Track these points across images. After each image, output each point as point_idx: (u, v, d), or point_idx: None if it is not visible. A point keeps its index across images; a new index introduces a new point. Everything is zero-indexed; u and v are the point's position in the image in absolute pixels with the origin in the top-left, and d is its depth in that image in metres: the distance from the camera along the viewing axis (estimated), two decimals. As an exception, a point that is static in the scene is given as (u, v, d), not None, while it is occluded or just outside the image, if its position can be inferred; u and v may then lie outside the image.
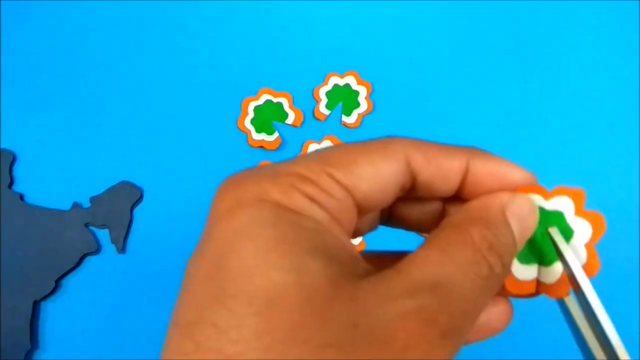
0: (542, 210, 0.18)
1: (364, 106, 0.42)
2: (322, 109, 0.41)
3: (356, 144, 0.17)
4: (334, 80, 0.42)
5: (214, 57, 0.43)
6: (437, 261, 0.14)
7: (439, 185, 0.17)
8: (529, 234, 0.17)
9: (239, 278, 0.13)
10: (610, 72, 0.43)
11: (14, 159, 0.40)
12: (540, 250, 0.17)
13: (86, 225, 0.39)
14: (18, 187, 0.40)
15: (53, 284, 0.38)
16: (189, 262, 0.15)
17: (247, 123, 0.41)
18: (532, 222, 0.17)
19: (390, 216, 0.19)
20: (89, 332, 0.38)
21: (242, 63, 0.43)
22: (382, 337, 0.13)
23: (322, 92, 0.42)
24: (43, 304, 0.38)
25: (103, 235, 0.40)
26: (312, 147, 0.41)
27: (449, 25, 0.44)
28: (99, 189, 0.40)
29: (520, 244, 0.17)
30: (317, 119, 0.42)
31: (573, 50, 0.43)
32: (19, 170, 0.40)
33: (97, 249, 0.39)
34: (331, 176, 0.15)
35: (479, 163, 0.17)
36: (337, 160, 0.16)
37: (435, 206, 0.19)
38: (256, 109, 0.41)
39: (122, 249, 0.39)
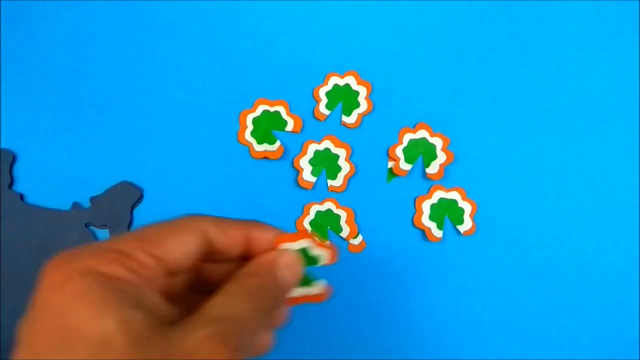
0: (306, 250, 0.25)
1: (364, 106, 0.42)
2: (322, 109, 0.41)
3: (165, 223, 0.22)
4: (334, 80, 0.42)
5: (212, 64, 0.43)
6: (224, 302, 0.20)
7: (230, 249, 0.23)
8: (297, 273, 0.24)
9: (77, 331, 0.17)
10: (610, 72, 0.43)
11: (14, 159, 0.40)
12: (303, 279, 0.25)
13: (86, 225, 0.39)
14: (18, 187, 0.40)
15: (53, 284, 0.38)
16: (23, 326, 0.19)
17: (248, 136, 0.41)
18: (297, 268, 0.24)
19: (199, 280, 0.25)
20: (89, 332, 0.38)
21: (237, 74, 0.43)
22: (189, 357, 0.18)
23: (322, 92, 0.42)
24: (43, 304, 0.38)
25: (103, 235, 0.40)
26: (312, 147, 0.41)
27: (449, 25, 0.44)
28: (99, 189, 0.40)
29: (292, 280, 0.24)
30: (317, 119, 0.42)
31: (573, 50, 0.43)
32: (19, 170, 0.40)
33: (97, 249, 0.39)
34: (147, 251, 0.20)
35: (256, 232, 0.24)
36: (151, 237, 0.21)
37: (233, 267, 0.24)
38: (254, 120, 0.41)
39: (122, 249, 0.39)
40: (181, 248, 0.22)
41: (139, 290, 0.19)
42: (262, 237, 0.24)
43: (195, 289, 0.25)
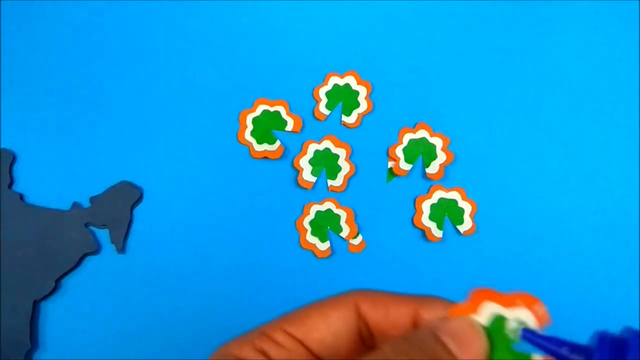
0: (502, 318, 0.18)
1: (364, 106, 0.42)
2: (322, 109, 0.41)
3: (315, 302, 0.19)
4: (334, 80, 0.42)
5: (212, 64, 0.43)
6: None
7: (391, 330, 0.19)
8: (475, 347, 0.17)
9: None
10: (611, 72, 0.43)
11: (14, 159, 0.40)
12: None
13: (86, 225, 0.39)
14: (18, 187, 0.40)
15: (53, 284, 0.38)
16: None
17: (248, 136, 0.41)
18: (472, 338, 0.17)
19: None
20: (89, 332, 0.38)
21: (237, 74, 0.43)
22: None
23: (322, 92, 0.42)
24: (43, 304, 0.38)
25: (103, 235, 0.40)
26: (312, 147, 0.41)
27: (449, 25, 0.44)
28: (99, 189, 0.40)
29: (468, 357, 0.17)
30: (317, 119, 0.42)
31: (573, 50, 0.43)
32: (19, 170, 0.40)
33: (97, 249, 0.39)
34: (284, 330, 0.19)
35: (428, 309, 0.19)
36: (294, 316, 0.19)
37: None
38: (254, 120, 0.41)
39: (122, 249, 0.39)
40: (324, 325, 0.19)
41: None
42: (432, 316, 0.19)
43: None
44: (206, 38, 0.43)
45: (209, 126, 0.41)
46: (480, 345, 0.17)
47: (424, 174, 0.41)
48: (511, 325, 0.18)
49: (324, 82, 0.42)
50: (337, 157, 0.41)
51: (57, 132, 0.41)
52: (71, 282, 0.39)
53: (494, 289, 0.18)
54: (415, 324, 0.19)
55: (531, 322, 0.17)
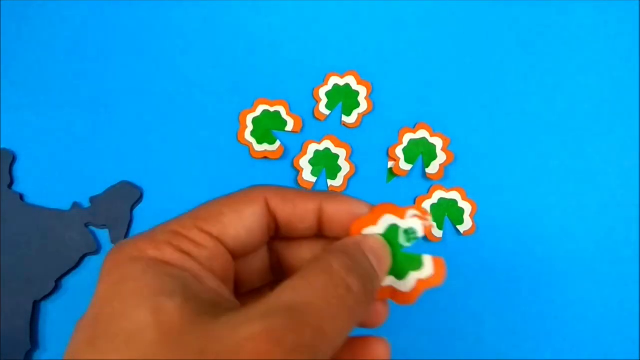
0: (396, 227, 0.20)
1: (364, 106, 0.42)
2: (322, 109, 0.41)
3: (223, 198, 0.19)
4: (334, 80, 0.42)
5: (212, 64, 0.43)
6: (295, 287, 0.16)
7: (298, 224, 0.20)
8: (386, 263, 0.20)
9: (107, 322, 0.16)
10: (611, 72, 0.43)
11: (14, 159, 0.40)
12: (396, 266, 0.20)
13: (86, 225, 0.39)
14: (18, 187, 0.40)
15: (53, 284, 0.38)
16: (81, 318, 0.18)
17: (248, 136, 0.41)
18: (385, 255, 0.20)
19: (279, 266, 0.22)
20: (89, 332, 0.38)
21: (237, 74, 0.43)
22: (228, 357, 0.14)
23: (322, 92, 0.42)
24: (43, 304, 0.38)
25: (103, 235, 0.40)
26: (312, 147, 0.41)
27: (449, 25, 0.44)
28: (99, 189, 0.40)
29: (382, 272, 0.19)
30: (317, 119, 0.42)
31: (573, 50, 0.43)
32: (19, 170, 0.40)
33: (97, 249, 0.39)
34: (201, 229, 0.18)
35: (330, 204, 0.20)
36: (206, 214, 0.19)
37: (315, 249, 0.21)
38: (254, 120, 0.41)
39: (122, 249, 0.39)
40: (239, 222, 0.19)
41: (186, 275, 0.17)
42: (335, 211, 0.20)
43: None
44: (206, 38, 0.43)
45: (209, 126, 0.41)
46: (389, 260, 0.20)
47: (424, 174, 0.41)
48: (403, 233, 0.20)
49: (324, 82, 0.42)
50: (337, 157, 0.41)
51: (57, 132, 0.41)
52: (71, 282, 0.39)
53: (393, 203, 0.21)
54: (319, 219, 0.20)
55: (420, 230, 0.20)
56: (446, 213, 0.40)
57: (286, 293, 0.16)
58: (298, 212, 0.20)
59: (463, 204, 0.40)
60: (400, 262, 0.20)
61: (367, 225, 0.20)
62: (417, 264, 0.20)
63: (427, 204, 0.40)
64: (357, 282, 0.17)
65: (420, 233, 0.20)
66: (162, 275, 0.16)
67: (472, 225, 0.40)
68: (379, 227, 0.20)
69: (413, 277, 0.20)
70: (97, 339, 0.16)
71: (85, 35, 0.43)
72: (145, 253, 0.17)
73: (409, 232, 0.20)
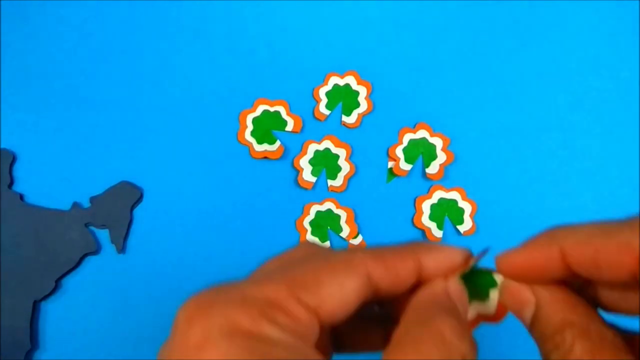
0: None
1: (364, 106, 0.42)
2: (322, 109, 0.41)
3: (320, 261, 0.17)
4: (334, 80, 0.42)
5: (212, 64, 0.43)
6: None
7: (398, 288, 0.18)
8: (467, 306, 0.19)
9: None
10: (611, 72, 0.43)
11: (14, 159, 0.40)
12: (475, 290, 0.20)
13: (86, 225, 0.39)
14: (18, 187, 0.40)
15: (53, 284, 0.38)
16: None
17: (248, 136, 0.41)
18: (465, 299, 0.19)
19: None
20: (89, 332, 0.38)
21: (237, 74, 0.43)
22: None
23: (322, 92, 0.42)
24: (43, 304, 0.38)
25: (103, 235, 0.40)
26: (312, 147, 0.41)
27: (449, 25, 0.44)
28: (99, 189, 0.40)
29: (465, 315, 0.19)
30: (317, 119, 0.42)
31: (573, 50, 0.43)
32: (19, 170, 0.40)
33: (97, 249, 0.39)
34: (299, 300, 0.16)
35: (429, 260, 0.18)
36: (304, 281, 0.16)
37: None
38: (254, 120, 0.41)
39: (122, 249, 0.39)
40: (339, 296, 0.17)
41: (287, 355, 0.15)
42: (435, 268, 0.19)
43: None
44: (206, 38, 0.43)
45: (209, 126, 0.41)
46: (466, 301, 0.19)
47: (424, 174, 0.41)
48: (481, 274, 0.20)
49: (324, 82, 0.42)
50: (337, 157, 0.41)
51: (57, 132, 0.41)
52: (71, 282, 0.39)
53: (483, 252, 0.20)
54: (419, 277, 0.19)
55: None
56: (446, 213, 0.40)
57: None
58: (401, 279, 0.18)
59: (463, 204, 0.40)
60: (478, 283, 0.20)
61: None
62: (492, 281, 0.20)
63: (427, 204, 0.40)
64: (470, 349, 0.16)
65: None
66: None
67: (472, 225, 0.40)
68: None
69: (494, 297, 0.20)
70: None
71: (85, 35, 0.43)
72: (240, 326, 0.15)
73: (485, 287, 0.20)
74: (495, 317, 0.20)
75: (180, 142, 0.41)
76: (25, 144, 0.41)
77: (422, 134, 0.41)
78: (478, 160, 0.41)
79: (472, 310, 0.19)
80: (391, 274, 0.18)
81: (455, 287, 0.19)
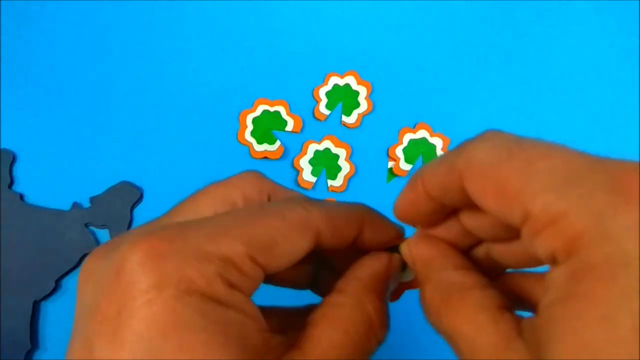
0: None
1: (364, 106, 0.42)
2: (322, 109, 0.42)
3: (277, 219, 0.17)
4: (334, 80, 0.42)
5: (212, 64, 0.43)
6: (339, 344, 0.17)
7: (335, 247, 0.19)
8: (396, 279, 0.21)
9: None
10: (611, 72, 0.43)
11: (14, 159, 0.40)
12: None
13: (86, 225, 0.39)
14: (18, 187, 0.40)
15: (53, 284, 0.38)
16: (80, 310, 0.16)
17: (248, 136, 0.41)
18: (398, 279, 0.21)
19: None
20: (89, 332, 0.38)
21: (237, 74, 0.43)
22: None
23: (322, 92, 0.42)
24: (43, 304, 0.38)
25: (103, 235, 0.40)
26: (312, 147, 0.41)
27: (449, 25, 0.44)
28: (99, 189, 0.40)
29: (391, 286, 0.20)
30: (317, 119, 0.42)
31: (573, 50, 0.43)
32: (19, 170, 0.40)
33: (97, 249, 0.39)
34: (253, 260, 0.16)
35: (371, 232, 0.20)
36: (260, 241, 0.16)
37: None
38: (254, 120, 0.41)
39: (122, 249, 0.39)
40: (289, 256, 0.17)
41: (238, 319, 0.15)
42: (372, 235, 0.20)
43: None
44: (206, 38, 0.43)
45: (209, 126, 0.41)
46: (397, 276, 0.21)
47: (424, 174, 0.41)
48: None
49: (324, 82, 0.42)
50: (337, 157, 0.41)
51: (57, 132, 0.41)
52: (71, 282, 0.39)
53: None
54: (356, 241, 0.20)
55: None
56: None
57: (333, 351, 0.16)
58: (343, 241, 0.19)
59: None
60: None
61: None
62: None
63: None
64: (385, 333, 0.18)
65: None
66: (221, 325, 0.15)
67: None
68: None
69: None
70: None
71: (85, 35, 0.43)
72: (194, 286, 0.14)
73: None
74: (415, 284, 0.21)
75: (181, 142, 0.41)
76: (25, 144, 0.41)
77: (422, 134, 0.41)
78: (478, 160, 0.41)
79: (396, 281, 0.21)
80: (336, 236, 0.19)
81: (396, 264, 0.20)
